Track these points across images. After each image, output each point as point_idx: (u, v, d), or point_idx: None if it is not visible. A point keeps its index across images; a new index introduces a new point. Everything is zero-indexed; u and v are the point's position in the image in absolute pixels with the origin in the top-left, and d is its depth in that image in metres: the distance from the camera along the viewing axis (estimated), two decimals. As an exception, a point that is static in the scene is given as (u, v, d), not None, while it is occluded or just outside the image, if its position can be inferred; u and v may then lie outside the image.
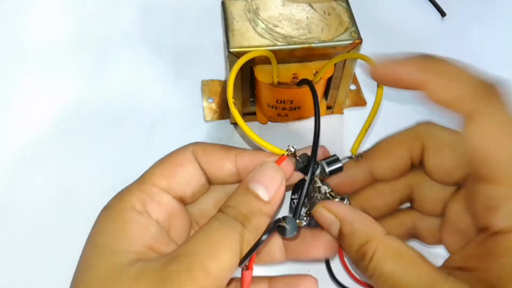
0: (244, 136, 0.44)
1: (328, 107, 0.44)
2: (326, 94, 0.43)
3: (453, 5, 0.54)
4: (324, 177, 0.32)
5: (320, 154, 0.32)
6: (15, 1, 0.53)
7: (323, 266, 0.35)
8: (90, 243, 0.26)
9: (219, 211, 0.26)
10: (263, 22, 0.37)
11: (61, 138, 0.43)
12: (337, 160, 0.32)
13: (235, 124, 0.44)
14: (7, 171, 0.41)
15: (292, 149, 0.30)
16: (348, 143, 0.42)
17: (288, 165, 0.29)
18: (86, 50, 0.50)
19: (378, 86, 0.33)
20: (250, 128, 0.30)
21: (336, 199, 0.32)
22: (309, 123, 0.44)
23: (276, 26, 0.37)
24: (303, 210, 0.32)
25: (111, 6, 0.54)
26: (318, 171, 0.32)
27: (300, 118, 0.43)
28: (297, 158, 0.30)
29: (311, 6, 0.39)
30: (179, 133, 0.44)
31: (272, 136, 0.44)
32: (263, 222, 0.27)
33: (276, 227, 0.27)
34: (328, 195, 0.33)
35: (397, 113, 0.44)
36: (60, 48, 0.50)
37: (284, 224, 0.27)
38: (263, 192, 0.27)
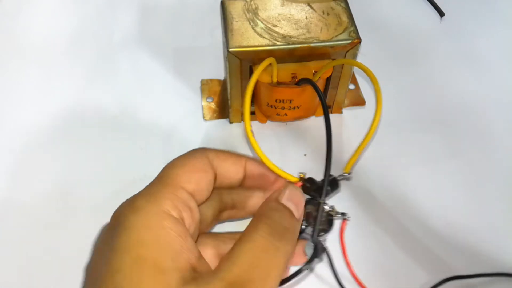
0: (243, 136, 0.44)
1: (327, 107, 0.44)
2: (325, 93, 0.43)
3: (452, 5, 0.55)
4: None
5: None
6: (14, 2, 0.53)
7: (326, 267, 0.36)
8: (130, 251, 0.22)
9: (257, 221, 0.26)
10: (262, 22, 0.38)
11: (60, 138, 0.43)
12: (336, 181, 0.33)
13: (233, 123, 0.44)
14: (6, 171, 0.41)
15: (301, 175, 0.30)
16: (347, 142, 0.42)
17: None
18: (85, 49, 0.50)
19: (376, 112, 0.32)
20: (268, 158, 0.30)
21: (338, 215, 0.33)
22: (308, 122, 0.44)
23: (275, 26, 0.37)
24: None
25: (111, 5, 0.54)
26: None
27: (299, 117, 0.43)
28: (305, 183, 0.31)
29: (310, 6, 0.39)
30: (178, 133, 0.44)
31: (271, 135, 0.44)
32: (296, 239, 0.27)
33: (315, 256, 0.28)
34: (330, 212, 0.34)
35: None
36: (59, 47, 0.50)
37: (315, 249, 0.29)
38: (295, 210, 0.27)
